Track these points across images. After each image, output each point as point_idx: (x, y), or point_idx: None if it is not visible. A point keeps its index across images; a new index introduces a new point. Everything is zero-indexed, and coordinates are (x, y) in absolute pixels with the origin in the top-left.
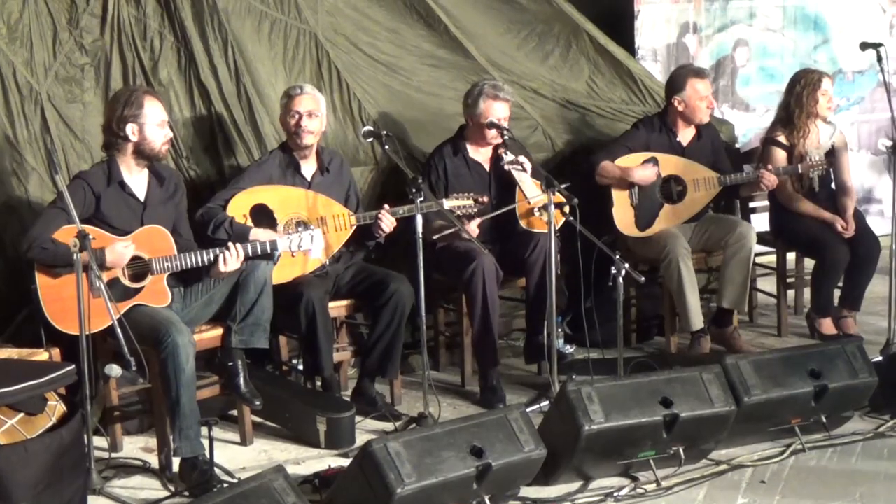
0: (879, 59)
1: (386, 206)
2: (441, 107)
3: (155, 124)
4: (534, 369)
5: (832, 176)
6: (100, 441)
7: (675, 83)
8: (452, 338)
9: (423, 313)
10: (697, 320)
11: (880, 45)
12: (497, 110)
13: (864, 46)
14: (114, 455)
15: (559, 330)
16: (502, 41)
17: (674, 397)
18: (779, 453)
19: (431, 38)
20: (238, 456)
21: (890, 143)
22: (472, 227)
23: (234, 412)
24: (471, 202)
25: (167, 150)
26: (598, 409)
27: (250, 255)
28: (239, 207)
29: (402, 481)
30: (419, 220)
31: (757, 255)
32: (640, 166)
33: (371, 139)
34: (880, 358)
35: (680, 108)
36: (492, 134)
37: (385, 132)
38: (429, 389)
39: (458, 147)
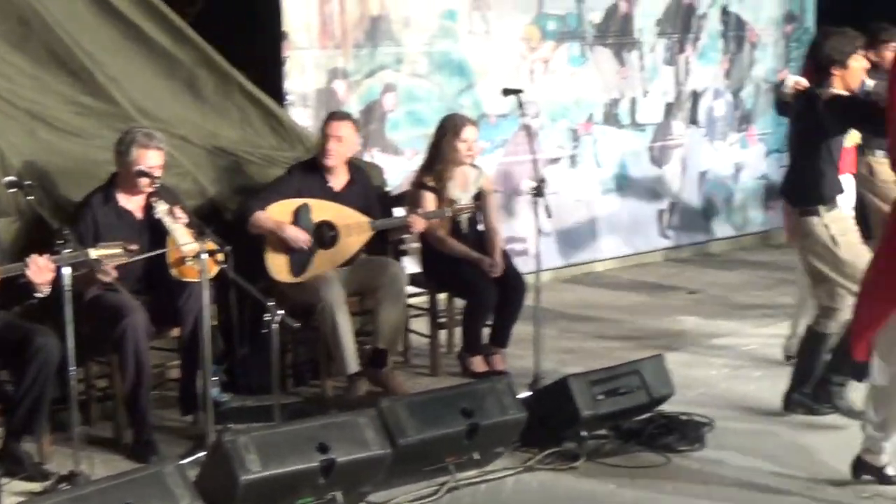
0: (520, 105)
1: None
2: (88, 154)
3: None
4: (190, 419)
5: (480, 217)
6: None
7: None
8: (104, 391)
9: (72, 367)
10: (353, 364)
11: (520, 90)
12: (149, 158)
13: (506, 92)
14: None
15: (215, 378)
16: (152, 87)
17: (330, 442)
18: (433, 492)
19: (76, 85)
20: None
21: (533, 185)
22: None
23: None
24: (120, 250)
25: None
26: (255, 458)
27: None
28: None
29: None
30: (66, 271)
31: (409, 296)
32: (292, 227)
33: (14, 189)
34: (529, 393)
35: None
36: (143, 182)
37: (28, 182)
38: (80, 446)
39: (109, 195)
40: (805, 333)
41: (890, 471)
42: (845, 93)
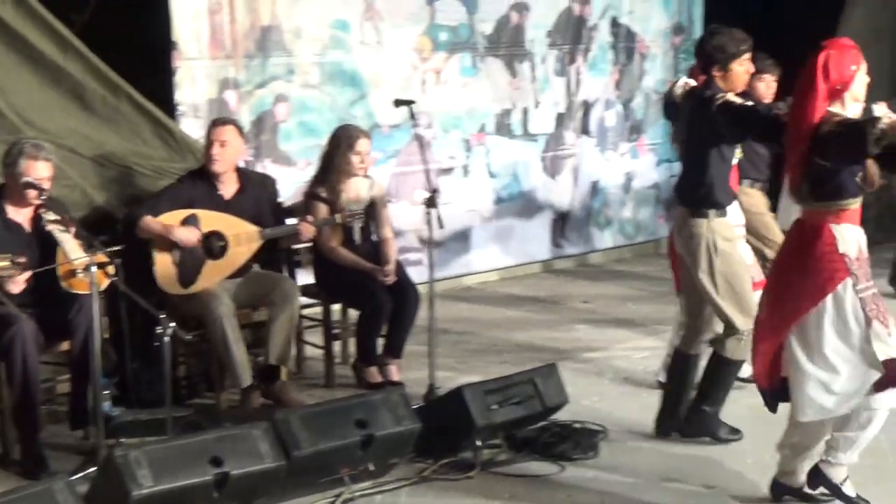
0: (412, 116)
1: None
2: None
3: None
4: (80, 434)
5: (372, 227)
6: None
7: None
8: None
9: None
10: (246, 376)
11: (412, 102)
12: (37, 170)
13: (398, 104)
14: None
15: (106, 392)
16: (38, 98)
17: (224, 456)
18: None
19: None
20: None
21: (426, 195)
22: (15, 288)
23: None
24: (8, 263)
25: None
26: (147, 472)
27: None
28: None
29: None
30: None
31: (303, 307)
32: (181, 227)
33: None
34: (424, 404)
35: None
36: (31, 194)
37: None
38: None
39: None
40: (673, 356)
41: (808, 489)
42: (738, 100)
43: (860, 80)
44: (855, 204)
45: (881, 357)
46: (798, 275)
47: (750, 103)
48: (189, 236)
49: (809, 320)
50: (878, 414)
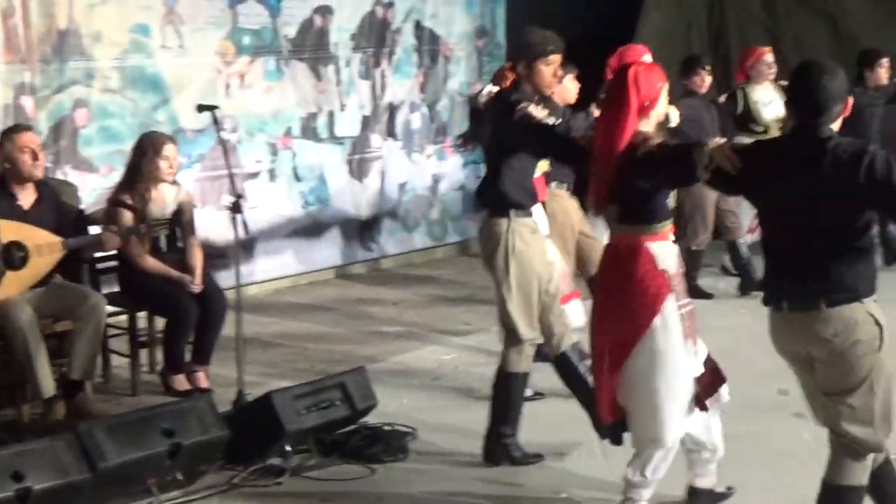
0: (215, 121)
1: None
2: None
3: None
4: None
5: (179, 234)
6: None
7: None
8: None
9: None
10: (48, 387)
11: (215, 107)
12: None
13: (201, 108)
14: None
15: None
16: None
17: (26, 470)
18: None
19: None
20: None
21: (231, 200)
22: None
23: None
24: None
25: None
26: None
27: None
28: None
29: None
30: None
31: (109, 315)
32: None
33: None
34: (232, 410)
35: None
36: None
37: None
38: None
39: None
40: (496, 374)
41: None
42: (539, 114)
43: (665, 99)
44: (668, 226)
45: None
46: (623, 299)
47: (549, 121)
48: None
49: (645, 342)
50: (712, 422)
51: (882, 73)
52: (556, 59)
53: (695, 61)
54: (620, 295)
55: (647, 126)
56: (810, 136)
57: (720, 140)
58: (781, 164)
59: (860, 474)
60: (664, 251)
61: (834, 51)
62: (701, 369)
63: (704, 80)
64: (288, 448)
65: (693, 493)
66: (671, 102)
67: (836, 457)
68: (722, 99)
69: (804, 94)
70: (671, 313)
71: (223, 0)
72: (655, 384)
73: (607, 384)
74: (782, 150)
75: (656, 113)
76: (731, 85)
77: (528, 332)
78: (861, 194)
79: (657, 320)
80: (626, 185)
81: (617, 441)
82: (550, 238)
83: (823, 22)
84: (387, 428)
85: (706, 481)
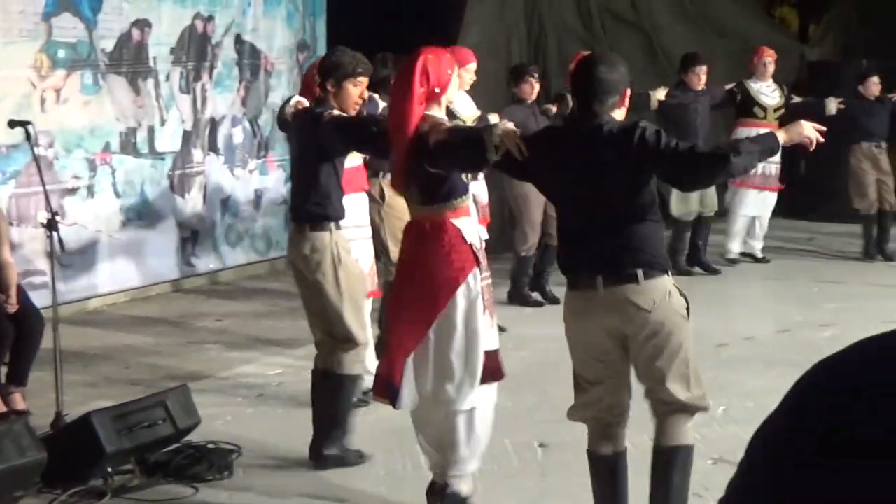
0: (29, 137)
1: None
2: None
3: None
4: None
5: None
6: None
7: None
8: None
9: None
10: None
11: (28, 122)
12: None
13: (13, 124)
14: None
15: None
16: None
17: None
18: None
19: None
20: None
21: (47, 217)
22: None
23: None
24: None
25: None
26: None
27: None
28: None
29: None
30: None
31: None
32: None
33: None
34: (50, 432)
35: None
36: None
37: None
38: None
39: None
40: (317, 377)
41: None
42: (344, 114)
43: (455, 84)
44: (467, 201)
45: (484, 348)
46: (428, 270)
47: (361, 115)
48: None
49: (447, 312)
50: (477, 413)
51: (695, 79)
52: (363, 80)
53: (523, 70)
54: (424, 268)
55: (440, 112)
56: (588, 124)
57: (510, 124)
58: (562, 149)
59: (690, 433)
60: (467, 225)
61: (649, 62)
62: (496, 345)
63: (533, 88)
64: (109, 469)
65: (439, 490)
66: (497, 111)
67: (665, 422)
68: (553, 109)
69: (583, 83)
70: (475, 286)
71: (37, 13)
72: (456, 351)
73: (407, 351)
74: (564, 136)
75: (447, 98)
76: (550, 93)
77: (364, 337)
78: (636, 162)
79: (460, 291)
80: (420, 169)
81: (399, 404)
82: (382, 227)
83: (638, 35)
84: (210, 446)
85: (463, 485)
